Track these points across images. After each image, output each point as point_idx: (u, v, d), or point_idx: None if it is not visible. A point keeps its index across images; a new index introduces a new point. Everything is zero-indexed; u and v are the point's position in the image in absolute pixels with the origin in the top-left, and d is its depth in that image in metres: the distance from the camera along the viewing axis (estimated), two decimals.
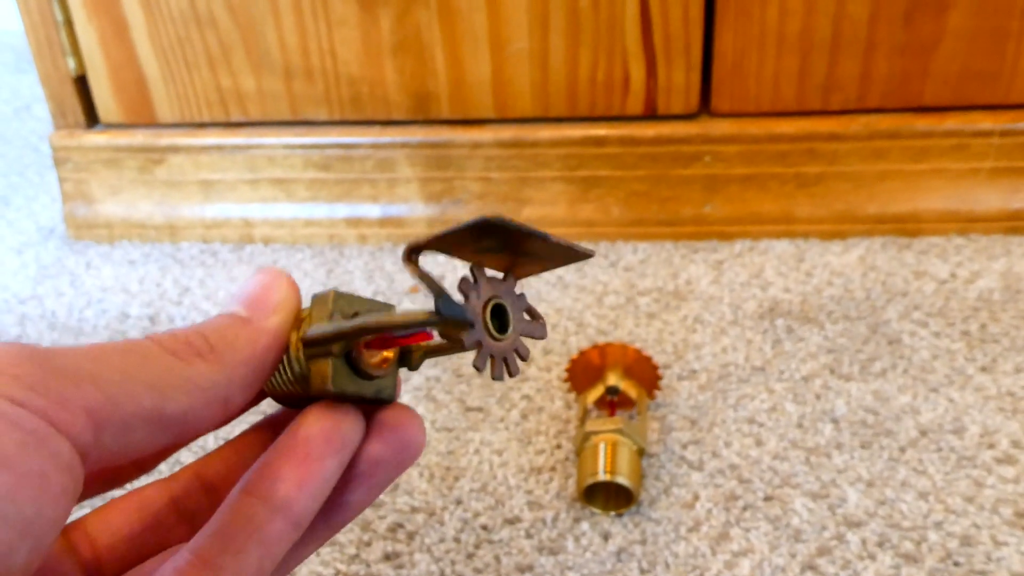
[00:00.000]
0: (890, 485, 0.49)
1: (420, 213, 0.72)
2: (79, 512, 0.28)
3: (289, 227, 0.73)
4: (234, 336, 0.24)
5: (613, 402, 0.53)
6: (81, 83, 0.71)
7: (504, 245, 0.24)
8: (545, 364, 0.59)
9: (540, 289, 0.66)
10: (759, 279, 0.65)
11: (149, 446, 0.22)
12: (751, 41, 0.65)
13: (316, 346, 0.25)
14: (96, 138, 0.72)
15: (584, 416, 0.52)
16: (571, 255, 0.25)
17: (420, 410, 0.56)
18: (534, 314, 0.25)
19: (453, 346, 0.26)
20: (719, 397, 0.55)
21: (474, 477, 0.51)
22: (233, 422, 0.29)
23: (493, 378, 0.24)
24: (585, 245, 0.25)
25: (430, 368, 0.59)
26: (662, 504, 0.49)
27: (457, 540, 0.47)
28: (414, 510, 0.49)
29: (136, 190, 0.74)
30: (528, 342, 0.60)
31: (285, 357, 0.26)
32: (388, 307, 0.26)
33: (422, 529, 0.48)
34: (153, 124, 0.72)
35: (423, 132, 0.70)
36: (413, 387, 0.57)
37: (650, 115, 0.68)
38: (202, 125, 0.72)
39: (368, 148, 0.70)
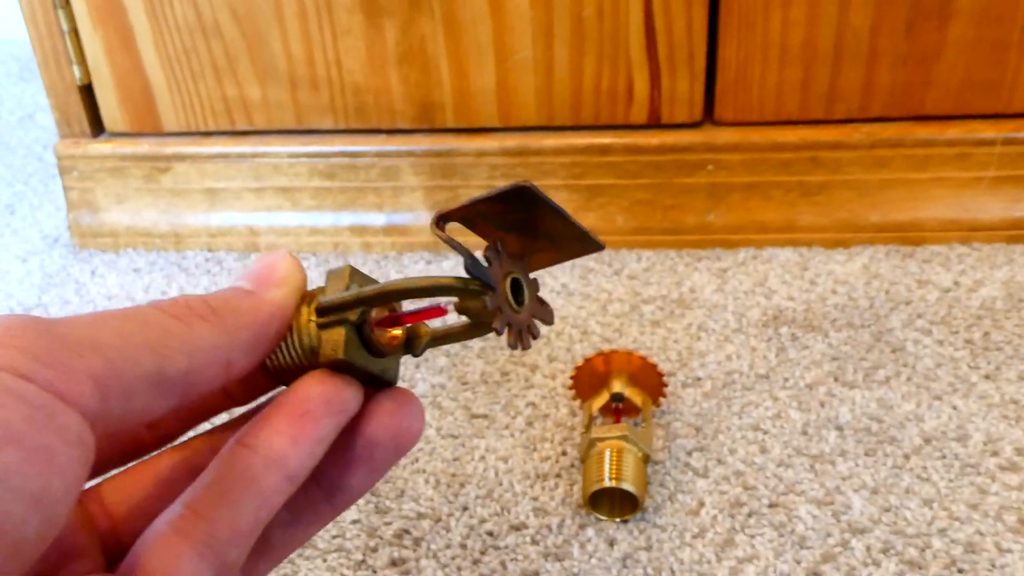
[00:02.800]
0: (894, 492, 0.49)
1: (425, 222, 0.72)
2: (96, 483, 0.28)
3: (294, 235, 0.73)
4: (236, 303, 0.25)
5: (618, 409, 0.53)
6: (87, 92, 0.71)
7: (525, 224, 0.25)
8: (550, 372, 0.59)
9: (545, 297, 0.66)
10: (763, 287, 0.65)
11: (154, 409, 0.22)
12: (754, 51, 0.66)
13: (332, 313, 0.25)
14: (101, 147, 0.72)
15: (589, 423, 0.52)
16: (584, 244, 0.26)
17: (426, 417, 0.56)
18: (543, 300, 0.26)
19: (461, 332, 0.27)
20: (723, 404, 0.55)
21: (480, 484, 0.51)
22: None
23: (510, 346, 0.25)
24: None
25: (435, 375, 0.59)
26: (667, 510, 0.49)
27: (463, 546, 0.47)
28: (420, 516, 0.49)
29: (141, 198, 0.74)
30: (537, 339, 0.60)
31: (293, 331, 0.26)
32: None
33: (428, 535, 0.48)
34: (158, 133, 0.72)
35: (428, 141, 0.70)
36: (419, 394, 0.58)
37: (654, 124, 0.69)
38: (207, 134, 0.72)
39: (373, 157, 0.71)
